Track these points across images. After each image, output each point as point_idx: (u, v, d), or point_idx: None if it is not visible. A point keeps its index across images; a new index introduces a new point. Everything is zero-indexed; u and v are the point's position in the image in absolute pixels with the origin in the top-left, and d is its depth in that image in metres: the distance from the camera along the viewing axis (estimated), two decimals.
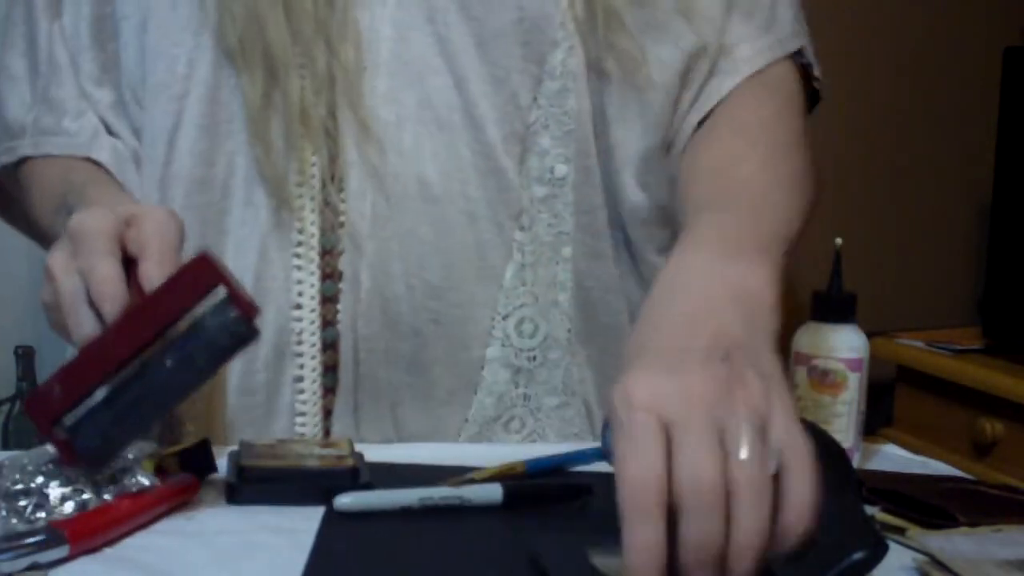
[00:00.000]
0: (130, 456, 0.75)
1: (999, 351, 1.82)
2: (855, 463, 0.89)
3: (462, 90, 0.91)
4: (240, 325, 0.72)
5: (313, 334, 0.91)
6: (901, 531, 0.76)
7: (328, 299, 0.92)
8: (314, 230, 0.91)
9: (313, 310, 0.91)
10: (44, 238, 0.96)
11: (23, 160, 0.97)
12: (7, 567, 0.65)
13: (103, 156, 0.94)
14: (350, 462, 0.80)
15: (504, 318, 0.94)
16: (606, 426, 0.89)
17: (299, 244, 0.91)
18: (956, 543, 0.73)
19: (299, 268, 0.91)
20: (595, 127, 0.93)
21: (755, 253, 0.72)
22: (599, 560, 0.69)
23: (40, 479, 0.72)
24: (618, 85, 0.93)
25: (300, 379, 0.92)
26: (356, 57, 0.90)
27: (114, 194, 0.91)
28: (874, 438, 1.02)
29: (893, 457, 0.97)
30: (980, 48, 1.98)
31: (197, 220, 0.91)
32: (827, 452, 0.70)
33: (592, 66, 0.93)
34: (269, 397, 0.92)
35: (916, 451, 1.01)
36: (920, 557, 0.72)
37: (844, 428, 0.89)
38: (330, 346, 0.92)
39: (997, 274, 1.86)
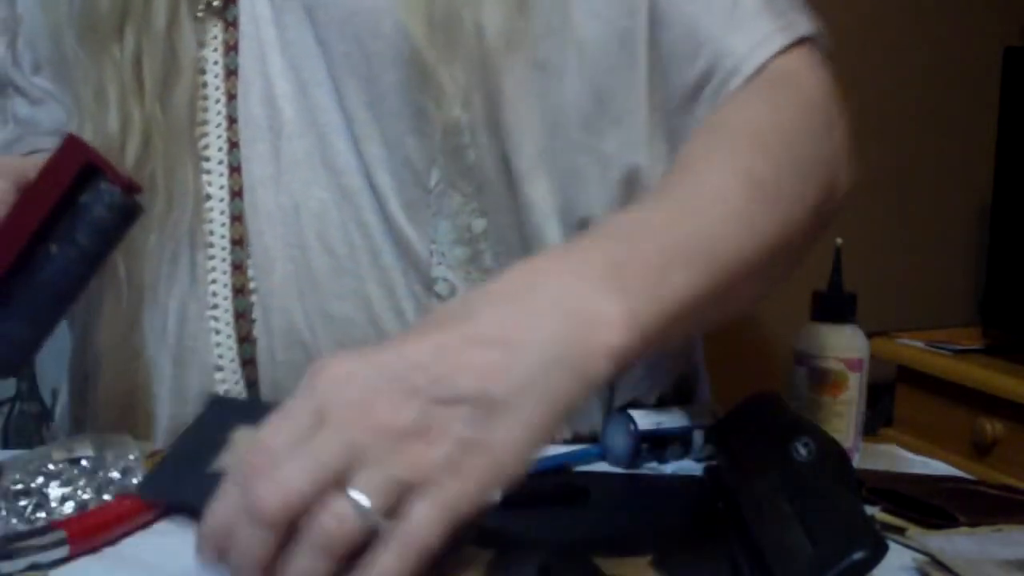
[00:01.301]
0: (130, 457, 0.75)
1: (999, 351, 1.82)
2: (855, 463, 0.89)
3: (362, 153, 0.85)
4: (119, 198, 0.73)
5: (238, 395, 0.88)
6: (901, 531, 0.76)
7: (248, 361, 0.88)
8: (227, 292, 0.87)
9: (235, 372, 0.88)
10: None
11: None
12: (7, 567, 0.65)
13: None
14: None
15: None
16: (606, 425, 0.89)
17: (214, 307, 0.88)
18: (956, 543, 0.73)
19: (216, 332, 0.88)
20: (506, 183, 0.85)
21: (636, 277, 0.60)
22: (600, 559, 0.69)
23: (40, 479, 0.72)
24: (517, 135, 0.84)
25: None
26: (260, 117, 0.86)
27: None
28: (874, 438, 1.02)
29: (893, 457, 0.97)
30: (980, 48, 1.98)
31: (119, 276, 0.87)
32: (827, 452, 0.70)
33: (489, 118, 0.83)
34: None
35: (916, 451, 1.01)
36: (920, 557, 0.72)
37: (844, 428, 0.89)
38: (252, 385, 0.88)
39: (997, 274, 1.86)
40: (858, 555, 0.60)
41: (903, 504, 0.79)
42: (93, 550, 0.69)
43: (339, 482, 0.51)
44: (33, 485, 0.71)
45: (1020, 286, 1.81)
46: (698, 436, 0.89)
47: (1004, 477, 1.49)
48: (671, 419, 0.89)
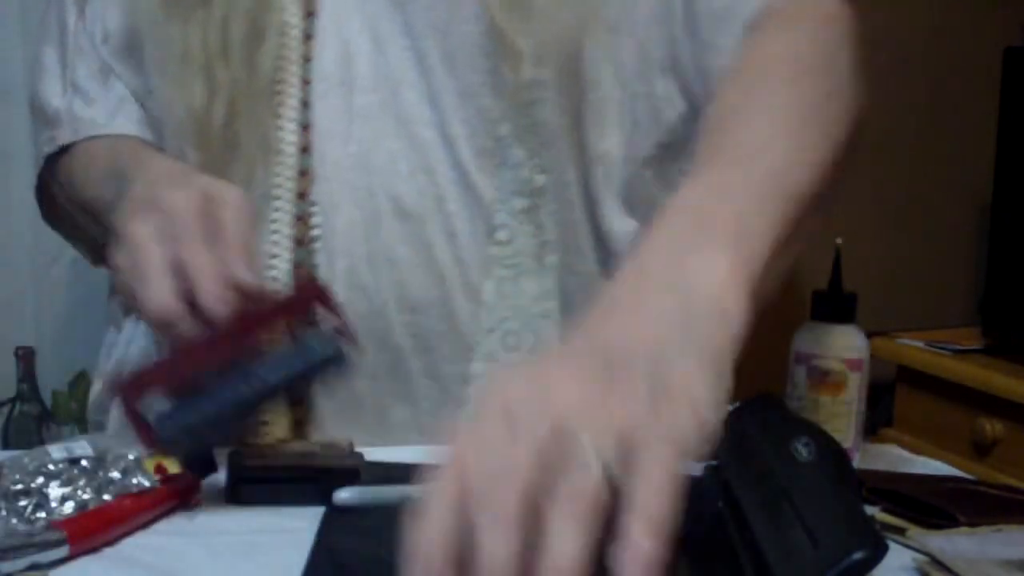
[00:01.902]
0: (130, 457, 0.75)
1: (999, 351, 1.82)
2: (855, 463, 0.89)
3: (436, 105, 0.90)
4: (338, 351, 0.76)
5: None
6: (901, 531, 0.76)
7: None
8: (287, 243, 0.91)
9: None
10: (93, 215, 0.97)
11: (63, 150, 0.99)
12: (7, 567, 0.65)
13: (133, 130, 0.97)
14: (350, 462, 0.80)
15: (489, 332, 0.93)
16: None
17: (273, 256, 0.91)
18: (956, 543, 0.73)
19: (274, 279, 0.90)
20: (574, 138, 0.92)
21: (724, 238, 0.61)
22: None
23: (40, 479, 0.72)
24: (593, 91, 0.91)
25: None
26: (334, 73, 0.91)
27: (168, 159, 0.92)
28: (874, 438, 1.02)
29: (893, 457, 0.97)
30: (980, 48, 1.98)
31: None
32: (827, 452, 0.70)
33: (565, 74, 0.90)
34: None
35: (916, 451, 1.01)
36: (920, 557, 0.72)
37: (844, 428, 0.89)
38: None
39: (997, 274, 1.86)
40: (858, 555, 0.60)
41: (903, 504, 0.79)
42: (93, 550, 0.69)
43: (559, 464, 0.49)
44: (33, 485, 0.71)
45: (1020, 286, 1.81)
46: None
47: (1004, 477, 1.49)
48: None
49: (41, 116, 1.02)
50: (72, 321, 1.57)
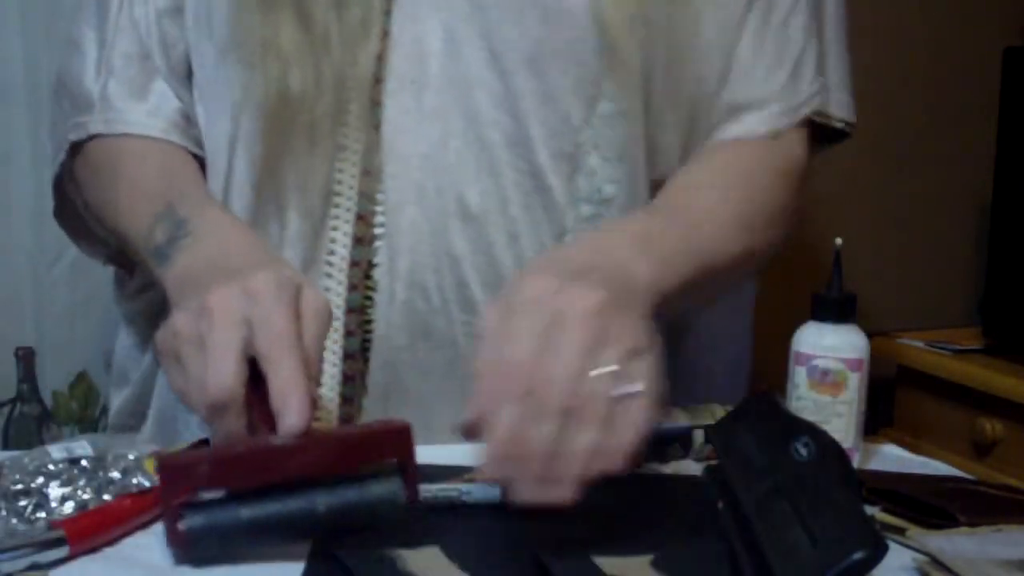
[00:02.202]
0: (130, 457, 0.75)
1: (999, 351, 1.82)
2: (855, 463, 0.89)
3: (511, 108, 0.91)
4: (398, 496, 0.70)
5: (336, 342, 0.91)
6: (901, 531, 0.76)
7: (352, 310, 0.92)
8: (347, 240, 0.91)
9: (337, 318, 0.91)
10: (115, 232, 0.94)
11: (91, 138, 0.95)
12: (7, 567, 0.65)
13: (178, 139, 0.94)
14: None
15: None
16: None
17: (331, 253, 0.92)
18: (956, 543, 0.73)
19: (329, 276, 0.91)
20: (648, 156, 0.94)
21: (656, 254, 0.81)
22: (600, 559, 0.69)
23: (40, 479, 0.72)
24: (660, 117, 0.94)
25: (319, 384, 0.90)
26: (406, 71, 0.90)
27: (236, 222, 0.89)
28: (874, 438, 1.02)
29: (893, 457, 0.97)
30: (980, 48, 1.98)
31: (257, 225, 0.91)
32: (827, 452, 0.70)
33: (648, 96, 0.93)
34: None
35: (916, 451, 1.01)
36: (920, 557, 0.72)
37: (844, 428, 0.89)
38: (350, 356, 0.92)
39: (997, 274, 1.86)
40: (858, 555, 0.60)
41: (903, 504, 0.79)
42: (93, 550, 0.69)
43: (589, 364, 0.67)
44: (33, 485, 0.71)
45: (1020, 286, 1.81)
46: (698, 436, 0.89)
47: (1004, 477, 1.49)
48: (671, 419, 0.89)
49: (69, 97, 0.98)
50: (72, 321, 1.57)
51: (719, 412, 0.89)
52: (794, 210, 0.99)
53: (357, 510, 0.68)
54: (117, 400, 1.06)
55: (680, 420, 0.89)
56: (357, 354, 0.92)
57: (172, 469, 0.67)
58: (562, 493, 0.67)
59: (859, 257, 1.77)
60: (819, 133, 1.01)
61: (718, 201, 0.91)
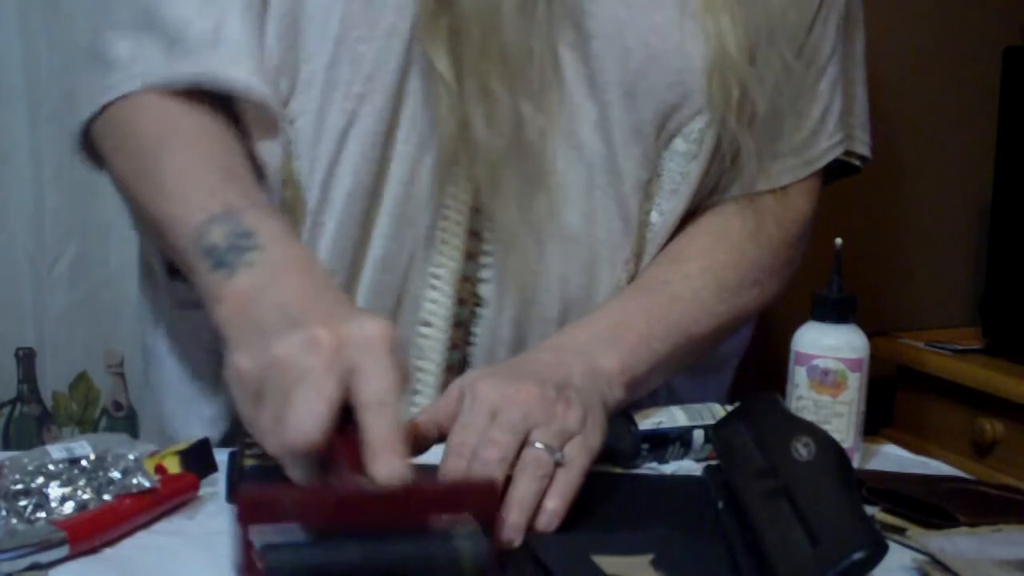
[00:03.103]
0: (130, 457, 0.75)
1: (999, 351, 1.81)
2: (855, 463, 0.89)
3: (606, 135, 0.93)
4: (480, 555, 0.64)
5: (439, 353, 0.94)
6: (901, 531, 0.76)
7: (458, 323, 0.93)
8: (457, 255, 0.93)
9: (444, 331, 0.93)
10: (155, 221, 0.85)
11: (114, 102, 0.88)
12: (7, 567, 0.65)
13: (258, 85, 0.87)
14: None
15: None
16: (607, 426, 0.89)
17: (439, 266, 0.93)
18: (956, 543, 0.73)
19: (434, 288, 0.93)
20: (694, 192, 0.98)
21: (623, 347, 0.88)
22: (600, 559, 0.69)
23: (40, 479, 0.72)
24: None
25: (416, 392, 0.93)
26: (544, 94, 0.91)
27: (313, 258, 0.84)
28: (874, 438, 1.02)
29: (893, 457, 0.97)
30: (980, 48, 1.98)
31: (352, 225, 0.91)
32: (827, 452, 0.70)
33: (721, 144, 0.96)
34: None
35: (916, 451, 1.01)
36: (920, 557, 0.72)
37: (844, 428, 0.89)
38: (453, 368, 0.94)
39: (997, 274, 1.85)
40: (858, 555, 0.61)
41: (903, 504, 0.79)
42: (93, 550, 0.69)
43: (527, 440, 0.76)
44: (33, 485, 0.71)
45: (1020, 286, 1.81)
46: (698, 436, 0.89)
47: (1004, 477, 1.49)
48: (671, 419, 0.89)
49: (164, 39, 0.87)
50: (72, 322, 1.57)
51: (719, 412, 0.89)
52: (791, 261, 1.03)
53: (440, 566, 0.64)
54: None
55: (680, 420, 0.89)
56: (456, 367, 0.94)
57: (249, 505, 0.62)
58: (506, 536, 0.72)
59: (859, 257, 1.77)
60: (828, 169, 1.04)
61: (703, 272, 0.96)
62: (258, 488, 0.66)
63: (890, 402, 1.92)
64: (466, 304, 0.94)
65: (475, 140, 0.88)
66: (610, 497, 0.80)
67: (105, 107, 0.88)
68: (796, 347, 0.90)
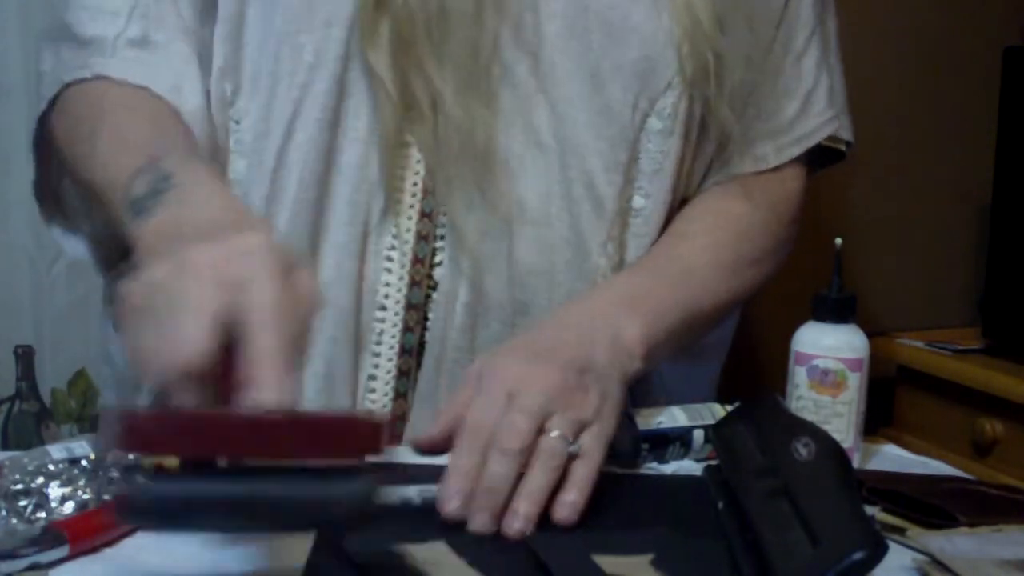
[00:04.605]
0: (131, 456, 0.75)
1: (999, 351, 1.82)
2: (855, 463, 0.89)
3: (561, 117, 0.92)
4: (365, 499, 0.61)
5: (393, 336, 0.93)
6: (901, 531, 0.76)
7: (412, 306, 0.93)
8: (409, 237, 0.92)
9: (397, 314, 0.93)
10: (92, 186, 0.87)
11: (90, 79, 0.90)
12: (7, 567, 0.65)
13: (189, 105, 0.90)
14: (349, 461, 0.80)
15: None
16: None
17: (392, 248, 0.92)
18: (956, 543, 0.73)
19: (389, 271, 0.92)
20: (680, 176, 0.98)
21: (644, 315, 0.88)
22: (600, 559, 0.69)
23: (40, 479, 0.72)
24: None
25: (373, 378, 0.93)
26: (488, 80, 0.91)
27: (227, 189, 0.83)
28: (874, 438, 1.02)
29: (893, 457, 0.97)
30: (980, 48, 1.98)
31: (305, 214, 0.91)
32: (827, 452, 0.70)
33: (696, 117, 0.96)
34: (339, 393, 0.92)
35: (916, 451, 1.01)
36: (920, 557, 0.72)
37: (844, 428, 0.89)
38: (407, 351, 0.93)
39: (997, 274, 1.85)
40: (858, 555, 0.60)
41: (903, 504, 0.79)
42: (93, 550, 0.69)
43: (543, 427, 0.77)
44: (33, 485, 0.71)
45: (1020, 286, 1.81)
46: (698, 436, 0.89)
47: (1004, 477, 1.49)
48: (671, 419, 0.89)
49: (73, 43, 0.92)
50: (71, 320, 1.57)
51: (719, 412, 0.89)
52: (786, 242, 1.05)
53: (315, 500, 0.61)
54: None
55: (680, 420, 0.89)
56: (413, 350, 0.93)
57: (126, 430, 0.58)
58: (517, 526, 0.73)
59: (859, 257, 1.77)
60: (815, 156, 1.05)
61: (706, 249, 0.97)
62: (126, 412, 0.60)
63: (890, 402, 1.92)
64: (420, 286, 0.93)
65: (419, 127, 0.90)
66: (610, 497, 0.80)
67: (53, 102, 0.92)
68: (796, 347, 0.90)
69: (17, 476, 0.72)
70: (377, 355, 0.93)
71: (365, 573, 0.67)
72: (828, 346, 0.89)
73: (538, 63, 0.91)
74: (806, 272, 1.06)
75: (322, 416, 0.66)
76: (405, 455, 0.85)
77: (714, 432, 0.85)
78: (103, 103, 0.89)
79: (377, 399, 0.93)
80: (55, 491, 0.71)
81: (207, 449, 0.60)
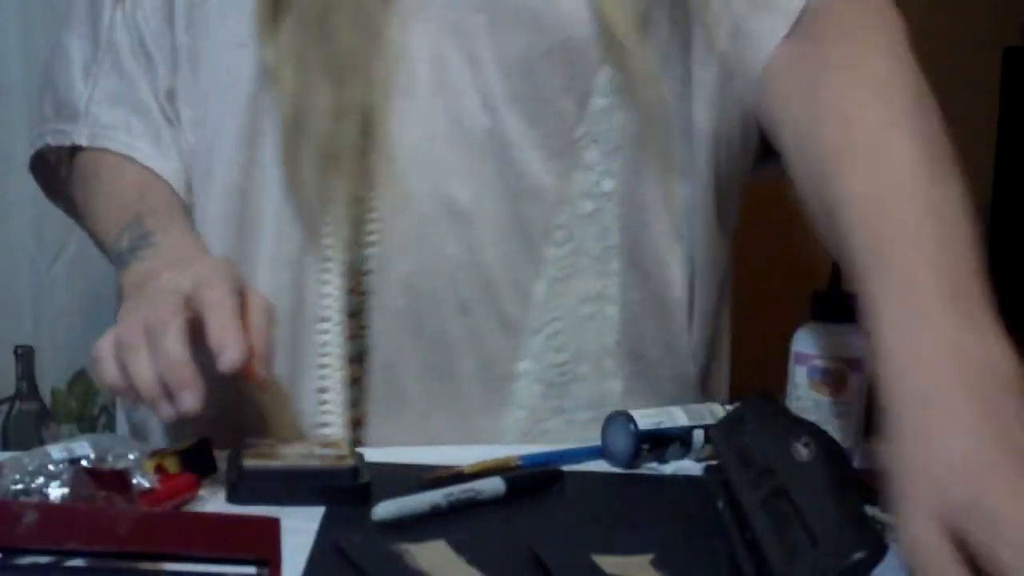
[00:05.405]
0: (130, 457, 0.75)
1: None
2: (855, 463, 0.88)
3: (492, 111, 0.91)
4: None
5: (339, 347, 0.92)
6: None
7: (353, 314, 0.92)
8: (342, 245, 0.92)
9: (339, 323, 0.92)
10: (92, 234, 0.99)
11: (75, 148, 0.98)
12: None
13: (167, 169, 0.96)
14: (350, 462, 0.81)
15: (535, 333, 0.94)
16: (606, 425, 0.89)
17: (328, 260, 0.92)
18: None
19: (327, 283, 0.92)
20: (649, 144, 0.94)
21: (975, 308, 0.71)
22: (600, 559, 0.69)
23: (40, 479, 0.72)
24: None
25: (324, 390, 0.93)
26: (389, 79, 0.90)
27: (200, 245, 0.91)
28: (874, 438, 1.02)
29: None
30: (980, 48, 1.98)
31: (233, 230, 0.93)
32: (827, 452, 0.70)
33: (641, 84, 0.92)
34: (297, 408, 0.93)
35: None
36: None
37: (844, 428, 0.89)
38: (355, 359, 0.93)
39: (997, 274, 1.85)
40: (858, 555, 0.60)
41: None
42: None
43: None
44: (33, 485, 0.71)
45: (1020, 286, 1.81)
46: (698, 436, 0.89)
47: None
48: (671, 419, 0.89)
49: (54, 101, 1.00)
50: (72, 320, 1.57)
51: (719, 412, 0.89)
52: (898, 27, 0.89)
53: None
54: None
55: (680, 420, 0.89)
56: (360, 357, 0.93)
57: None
58: None
59: None
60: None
61: (914, 157, 0.79)
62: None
63: None
64: (355, 294, 0.92)
65: (317, 133, 0.90)
66: (610, 497, 0.80)
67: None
68: (796, 347, 0.90)
69: (17, 476, 0.72)
70: (325, 367, 0.93)
71: (365, 573, 0.67)
72: (828, 346, 0.89)
73: (468, 58, 0.90)
74: (806, 272, 1.06)
75: (209, 516, 0.66)
76: (372, 455, 0.85)
77: (714, 432, 0.85)
78: (100, 162, 0.97)
79: (331, 409, 0.93)
80: (55, 491, 0.71)
81: (82, 544, 0.57)
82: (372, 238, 0.92)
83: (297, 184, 0.91)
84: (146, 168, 0.96)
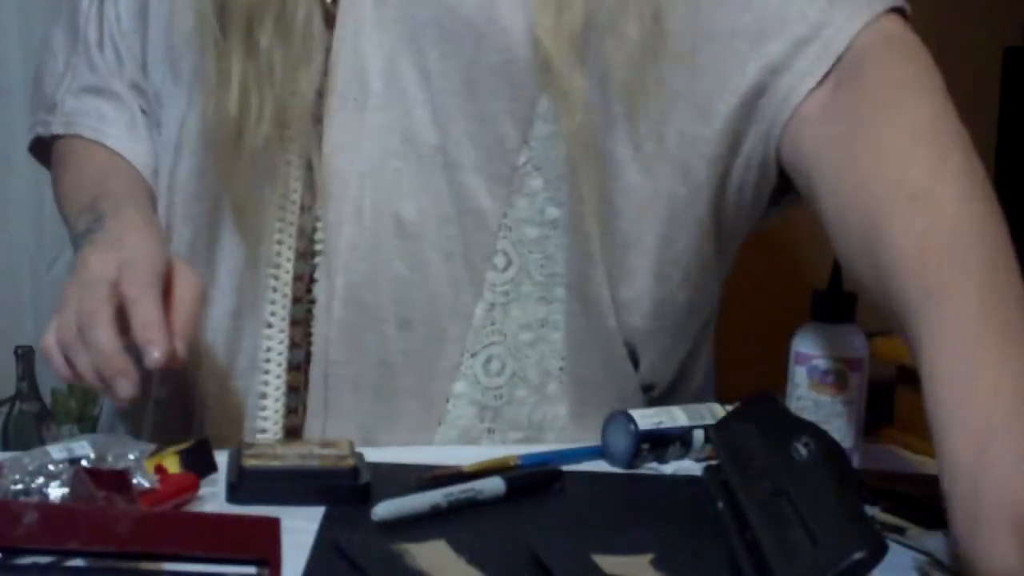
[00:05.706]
0: (131, 456, 0.75)
1: None
2: (855, 463, 0.89)
3: (441, 127, 0.90)
4: None
5: (280, 353, 0.93)
6: (901, 531, 0.76)
7: (297, 322, 0.93)
8: (290, 254, 0.92)
9: (282, 330, 0.92)
10: (63, 220, 1.00)
11: (56, 136, 1.00)
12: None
13: (137, 156, 0.97)
14: (350, 462, 0.80)
15: (472, 355, 0.93)
16: (606, 425, 0.89)
17: (276, 266, 0.92)
18: None
19: (274, 289, 0.92)
20: (596, 176, 0.89)
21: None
22: (600, 559, 0.69)
23: (40, 479, 0.72)
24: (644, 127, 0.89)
25: (264, 395, 0.93)
26: (344, 88, 0.91)
27: (146, 227, 0.89)
28: (874, 438, 1.02)
29: (893, 457, 0.97)
30: (980, 48, 1.98)
31: (192, 230, 0.94)
32: (827, 452, 0.70)
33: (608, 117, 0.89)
34: (237, 409, 0.93)
35: (916, 451, 1.01)
36: (920, 557, 0.72)
37: (844, 428, 0.89)
38: (295, 367, 0.93)
39: None
40: (858, 555, 0.60)
41: (903, 504, 0.79)
42: None
43: None
44: (33, 485, 0.71)
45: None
46: (698, 436, 0.89)
47: None
48: (671, 419, 0.89)
49: (39, 94, 1.03)
50: None
51: (719, 412, 0.89)
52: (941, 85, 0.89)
53: None
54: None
55: (680, 420, 0.89)
56: (302, 366, 0.93)
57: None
58: None
59: None
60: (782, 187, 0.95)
61: (960, 193, 0.76)
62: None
63: (890, 402, 1.92)
64: (302, 302, 0.93)
65: (296, 144, 0.91)
66: (610, 497, 0.80)
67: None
68: (796, 347, 0.90)
69: (17, 476, 0.72)
70: (267, 372, 0.93)
71: (365, 573, 0.67)
72: (828, 346, 0.89)
73: (420, 70, 0.90)
74: (806, 272, 1.06)
75: (210, 516, 0.65)
76: (372, 455, 0.85)
77: (714, 432, 0.85)
78: (73, 147, 1.00)
79: (268, 415, 0.93)
80: (55, 491, 0.71)
81: (83, 544, 0.57)
82: (319, 247, 0.92)
83: (236, 194, 0.92)
84: (115, 153, 0.97)
